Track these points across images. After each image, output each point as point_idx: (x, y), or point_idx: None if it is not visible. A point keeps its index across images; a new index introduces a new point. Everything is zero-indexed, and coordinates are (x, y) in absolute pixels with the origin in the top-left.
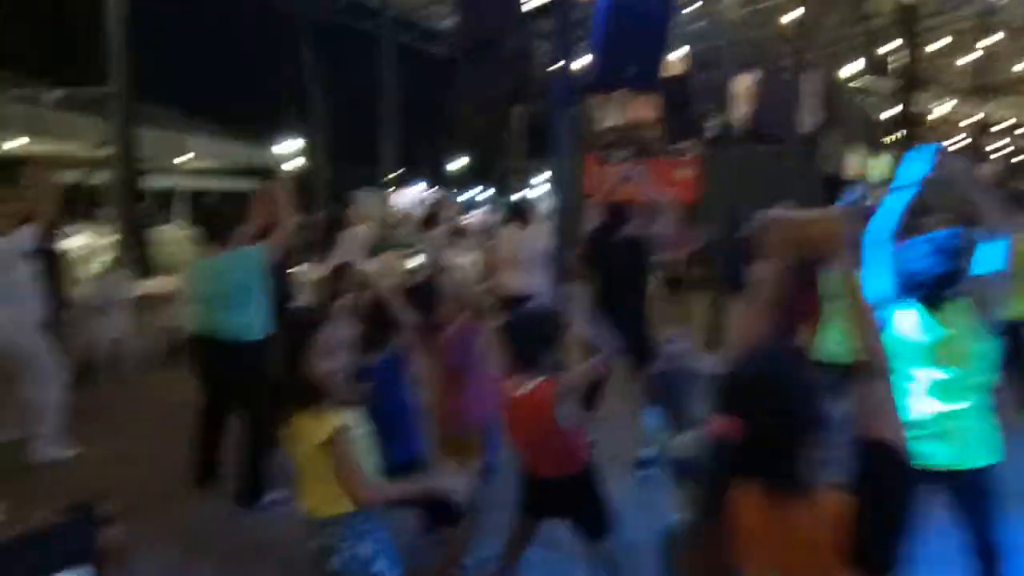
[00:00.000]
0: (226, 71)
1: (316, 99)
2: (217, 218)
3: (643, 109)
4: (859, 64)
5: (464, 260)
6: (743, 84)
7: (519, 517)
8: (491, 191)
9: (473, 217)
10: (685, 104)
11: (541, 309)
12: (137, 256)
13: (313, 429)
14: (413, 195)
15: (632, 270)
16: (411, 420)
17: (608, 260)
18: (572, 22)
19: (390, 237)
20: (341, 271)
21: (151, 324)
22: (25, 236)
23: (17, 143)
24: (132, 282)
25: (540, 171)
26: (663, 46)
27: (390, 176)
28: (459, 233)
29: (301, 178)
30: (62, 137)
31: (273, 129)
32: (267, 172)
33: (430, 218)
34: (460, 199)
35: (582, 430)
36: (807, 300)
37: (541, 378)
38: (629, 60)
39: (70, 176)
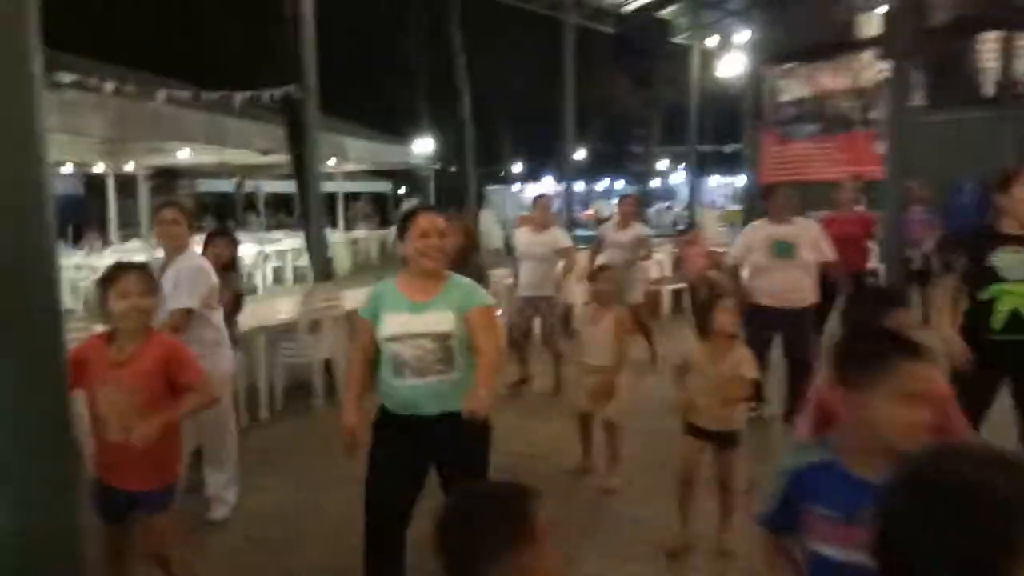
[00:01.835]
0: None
1: (464, 95)
2: None
3: (835, 77)
4: None
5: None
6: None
7: None
8: (620, 181)
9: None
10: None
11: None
12: (323, 265)
13: None
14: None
15: None
16: None
17: None
18: None
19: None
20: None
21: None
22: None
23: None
24: (341, 294)
25: (674, 157)
26: None
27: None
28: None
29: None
30: (237, 144)
31: (411, 128)
32: (411, 173)
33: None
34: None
35: None
36: None
37: None
38: None
39: (227, 185)
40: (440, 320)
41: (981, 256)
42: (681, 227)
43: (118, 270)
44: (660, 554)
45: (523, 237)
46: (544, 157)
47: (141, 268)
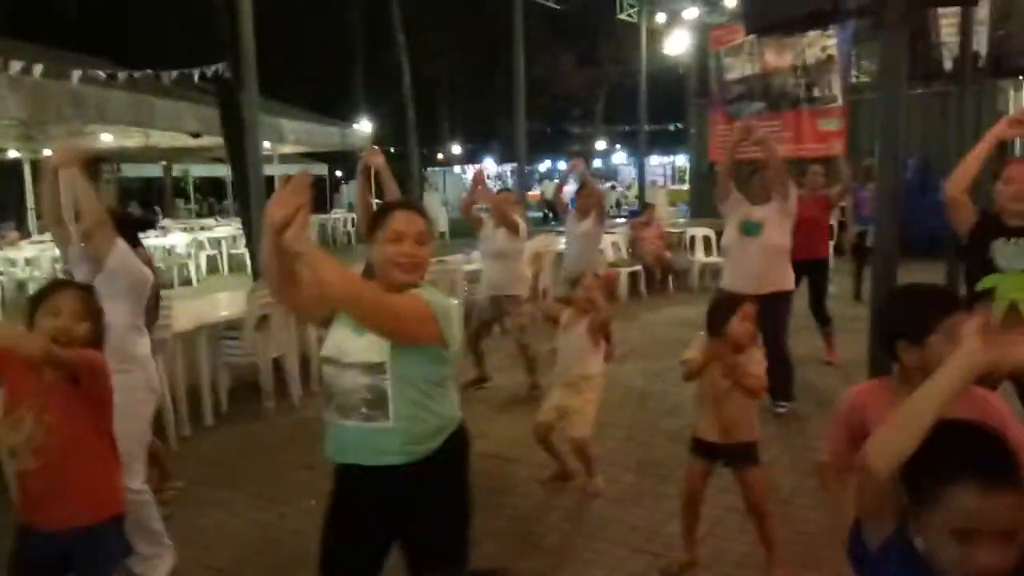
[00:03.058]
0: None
1: (404, 73)
2: None
3: (779, 55)
4: None
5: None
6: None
7: None
8: (561, 161)
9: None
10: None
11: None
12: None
13: None
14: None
15: None
16: None
17: None
18: None
19: None
20: None
21: None
22: None
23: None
24: None
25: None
26: None
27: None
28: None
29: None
30: (165, 127)
31: (347, 109)
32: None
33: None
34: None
35: None
36: None
37: None
38: None
39: (154, 170)
40: (371, 347)
41: (980, 247)
42: (627, 208)
43: (55, 288)
44: (645, 556)
45: (485, 231)
46: (483, 138)
47: (84, 289)
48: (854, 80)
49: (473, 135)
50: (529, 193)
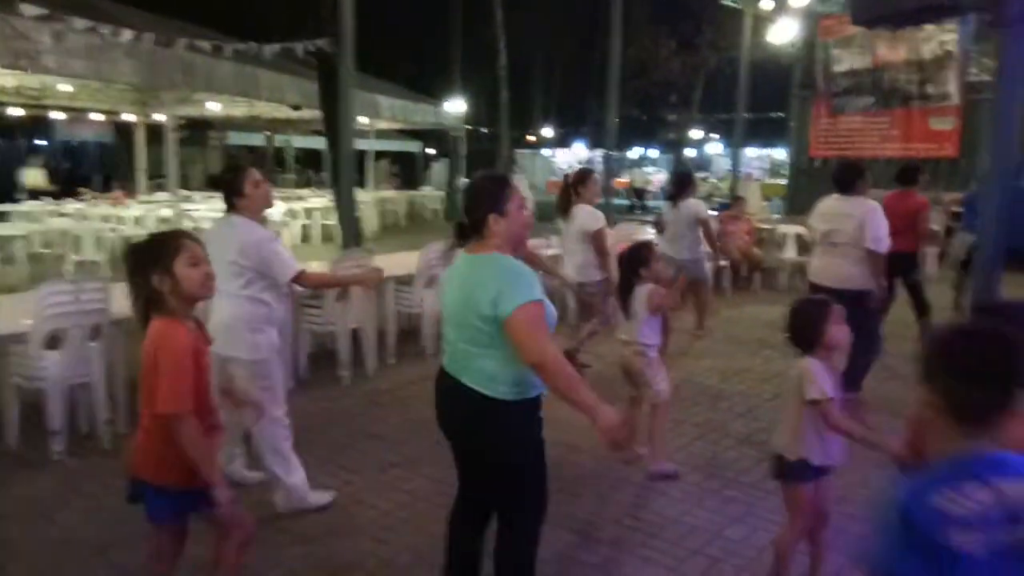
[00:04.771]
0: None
1: (501, 52)
2: None
3: (893, 48)
4: None
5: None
6: None
7: None
8: (654, 150)
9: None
10: None
11: None
12: (352, 227)
13: None
14: (574, 156)
15: None
16: None
17: None
18: None
19: None
20: None
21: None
22: None
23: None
24: (372, 259)
25: (710, 127)
26: None
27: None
28: None
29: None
30: (269, 98)
31: (442, 88)
32: (441, 133)
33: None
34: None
35: None
36: None
37: None
38: None
39: (258, 139)
40: None
41: None
42: (718, 201)
43: (183, 236)
44: (703, 559)
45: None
46: (575, 122)
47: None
48: (973, 78)
49: (566, 119)
50: (617, 180)
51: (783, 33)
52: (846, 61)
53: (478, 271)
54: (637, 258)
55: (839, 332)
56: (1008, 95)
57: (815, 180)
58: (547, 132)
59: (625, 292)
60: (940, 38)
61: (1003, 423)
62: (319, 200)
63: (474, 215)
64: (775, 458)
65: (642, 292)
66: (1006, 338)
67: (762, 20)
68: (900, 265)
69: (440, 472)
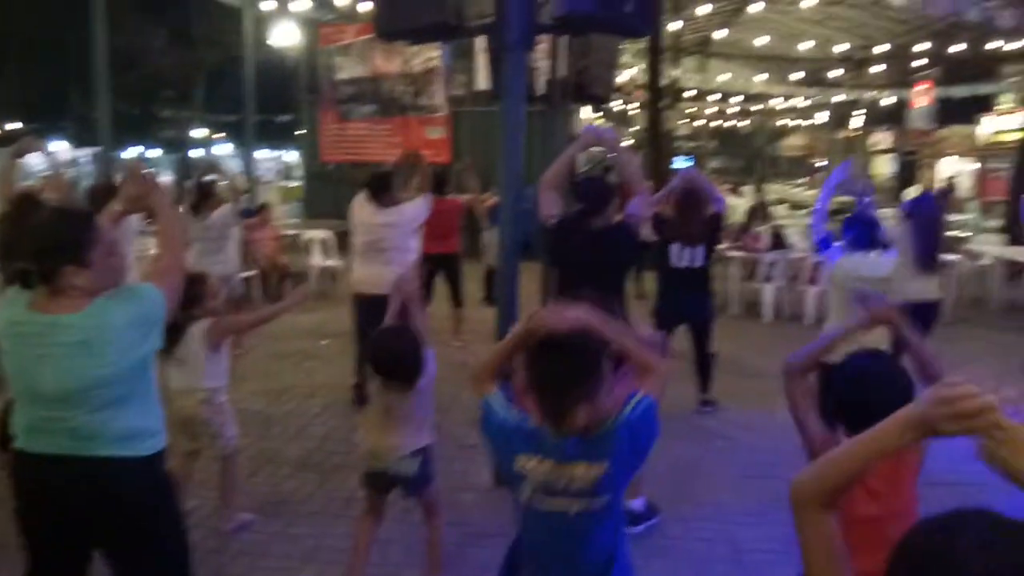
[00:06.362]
0: None
1: None
2: None
3: (388, 60)
4: None
5: None
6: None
7: None
8: (156, 149)
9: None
10: None
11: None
12: None
13: None
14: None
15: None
16: None
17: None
18: None
19: None
20: None
21: None
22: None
23: None
24: None
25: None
26: None
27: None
28: None
29: None
30: None
31: None
32: None
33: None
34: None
35: None
36: None
37: None
38: None
39: None
40: None
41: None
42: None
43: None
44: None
45: None
46: (54, 115)
47: None
48: (456, 92)
49: (39, 111)
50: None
51: (286, 36)
52: (348, 69)
53: None
54: (189, 297)
55: None
56: (511, 111)
57: (329, 184)
58: (11, 126)
59: (174, 336)
60: (427, 54)
61: None
62: None
63: None
64: None
65: (197, 331)
66: None
67: (263, 21)
68: (443, 264)
69: None
